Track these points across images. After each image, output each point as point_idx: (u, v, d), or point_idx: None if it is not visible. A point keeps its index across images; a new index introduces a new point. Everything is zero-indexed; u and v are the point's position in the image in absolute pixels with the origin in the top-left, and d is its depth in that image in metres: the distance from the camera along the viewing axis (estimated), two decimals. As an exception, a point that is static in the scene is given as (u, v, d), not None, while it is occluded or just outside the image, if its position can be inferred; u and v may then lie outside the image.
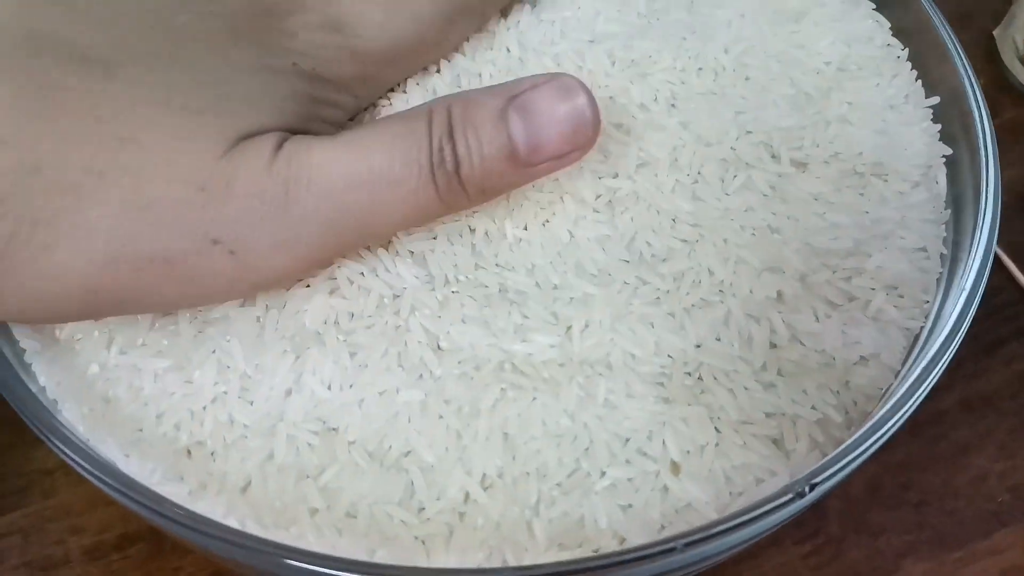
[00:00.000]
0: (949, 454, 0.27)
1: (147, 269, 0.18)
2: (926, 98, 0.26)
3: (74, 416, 0.20)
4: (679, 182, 0.23)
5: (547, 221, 0.22)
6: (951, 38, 0.26)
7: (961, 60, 0.26)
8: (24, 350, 0.21)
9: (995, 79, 0.41)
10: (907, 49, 0.27)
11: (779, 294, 0.22)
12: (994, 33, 0.42)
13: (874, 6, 0.28)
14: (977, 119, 0.24)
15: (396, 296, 0.21)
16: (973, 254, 0.22)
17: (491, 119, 0.20)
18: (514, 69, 0.25)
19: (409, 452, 0.20)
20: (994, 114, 0.27)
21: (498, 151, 0.20)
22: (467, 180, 0.20)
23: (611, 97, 0.25)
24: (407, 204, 0.20)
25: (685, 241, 0.23)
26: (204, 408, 0.20)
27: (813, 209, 0.23)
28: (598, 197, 0.23)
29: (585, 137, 0.21)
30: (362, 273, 0.21)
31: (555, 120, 0.20)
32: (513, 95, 0.20)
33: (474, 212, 0.22)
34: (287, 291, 0.21)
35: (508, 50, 0.26)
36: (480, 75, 0.25)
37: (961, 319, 0.21)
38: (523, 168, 0.20)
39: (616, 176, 0.23)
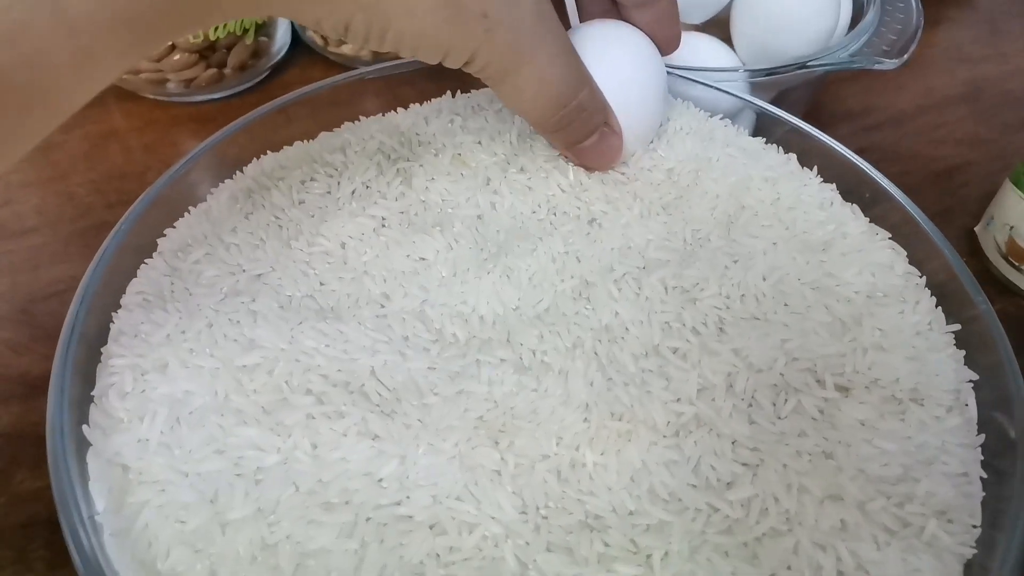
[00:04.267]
0: None
1: None
2: (947, 324, 0.29)
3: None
4: (735, 407, 0.25)
5: (620, 450, 0.24)
6: (962, 266, 0.29)
7: (976, 289, 0.28)
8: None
9: (979, 272, 0.44)
10: (924, 276, 0.30)
11: (842, 523, 0.23)
12: (975, 230, 0.45)
13: (889, 235, 0.31)
14: (1000, 347, 0.27)
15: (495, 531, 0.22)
16: (1017, 479, 0.24)
17: None
18: (583, 292, 0.28)
19: None
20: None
21: None
22: None
23: (667, 323, 0.28)
24: None
25: (746, 465, 0.24)
26: (303, 644, 0.21)
27: (861, 435, 0.25)
28: (668, 423, 0.25)
29: None
30: (467, 509, 0.22)
31: None
32: None
33: (560, 439, 0.24)
34: (386, 525, 0.22)
35: (572, 277, 0.29)
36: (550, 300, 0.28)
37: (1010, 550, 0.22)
38: None
39: (679, 401, 0.25)
